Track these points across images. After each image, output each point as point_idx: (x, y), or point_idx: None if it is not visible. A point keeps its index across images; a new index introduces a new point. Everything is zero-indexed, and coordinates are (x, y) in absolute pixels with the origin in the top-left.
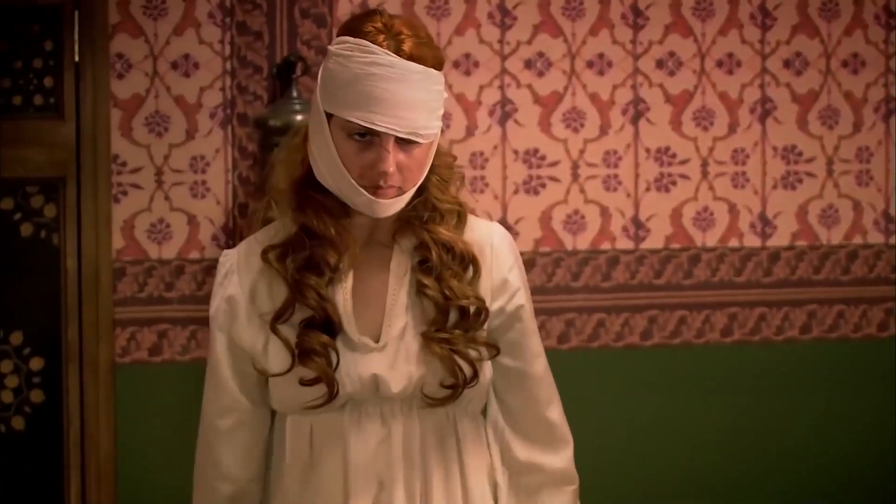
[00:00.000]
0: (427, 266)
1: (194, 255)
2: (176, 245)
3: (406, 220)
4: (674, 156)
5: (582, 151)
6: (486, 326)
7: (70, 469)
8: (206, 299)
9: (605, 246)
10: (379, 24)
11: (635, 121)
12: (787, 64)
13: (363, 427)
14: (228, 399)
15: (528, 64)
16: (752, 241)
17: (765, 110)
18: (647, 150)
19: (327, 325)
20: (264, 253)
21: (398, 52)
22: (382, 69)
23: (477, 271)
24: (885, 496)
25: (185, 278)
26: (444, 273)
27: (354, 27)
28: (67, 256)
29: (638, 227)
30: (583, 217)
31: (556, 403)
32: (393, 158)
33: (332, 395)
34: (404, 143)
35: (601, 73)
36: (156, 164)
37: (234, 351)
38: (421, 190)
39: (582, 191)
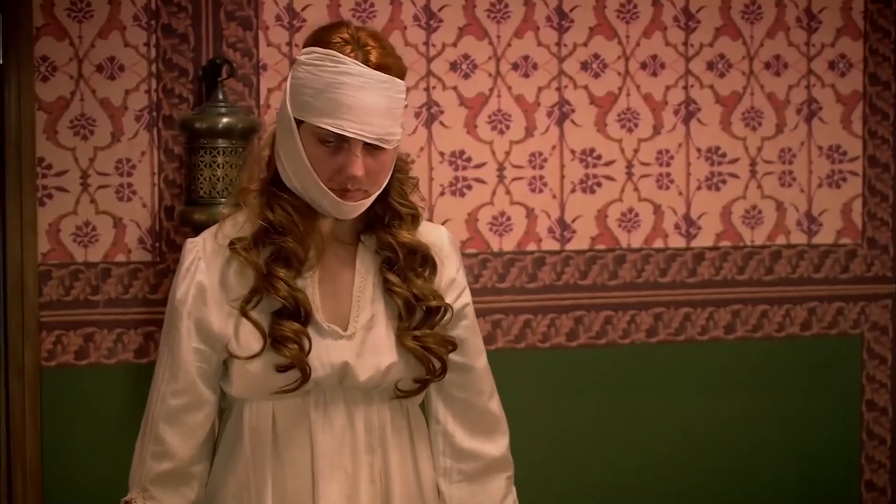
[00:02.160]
0: (392, 266)
1: (120, 257)
2: (102, 248)
3: (368, 222)
4: (599, 157)
5: (507, 153)
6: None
7: None
8: (132, 303)
9: (532, 247)
10: (346, 35)
11: (560, 123)
12: (710, 66)
13: (328, 413)
14: (185, 381)
15: (454, 66)
16: (676, 241)
17: (689, 112)
18: (573, 152)
19: (298, 314)
20: (232, 244)
21: (366, 62)
22: (352, 78)
23: (434, 271)
24: (811, 495)
25: (111, 281)
26: (408, 274)
27: (322, 38)
28: None
29: (563, 228)
30: (509, 219)
31: (496, 396)
32: (361, 163)
33: (305, 379)
34: (371, 149)
35: (526, 75)
36: (81, 167)
37: (202, 335)
38: (383, 193)
39: (508, 192)
